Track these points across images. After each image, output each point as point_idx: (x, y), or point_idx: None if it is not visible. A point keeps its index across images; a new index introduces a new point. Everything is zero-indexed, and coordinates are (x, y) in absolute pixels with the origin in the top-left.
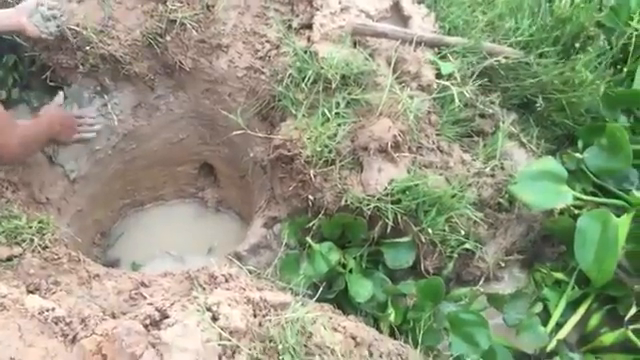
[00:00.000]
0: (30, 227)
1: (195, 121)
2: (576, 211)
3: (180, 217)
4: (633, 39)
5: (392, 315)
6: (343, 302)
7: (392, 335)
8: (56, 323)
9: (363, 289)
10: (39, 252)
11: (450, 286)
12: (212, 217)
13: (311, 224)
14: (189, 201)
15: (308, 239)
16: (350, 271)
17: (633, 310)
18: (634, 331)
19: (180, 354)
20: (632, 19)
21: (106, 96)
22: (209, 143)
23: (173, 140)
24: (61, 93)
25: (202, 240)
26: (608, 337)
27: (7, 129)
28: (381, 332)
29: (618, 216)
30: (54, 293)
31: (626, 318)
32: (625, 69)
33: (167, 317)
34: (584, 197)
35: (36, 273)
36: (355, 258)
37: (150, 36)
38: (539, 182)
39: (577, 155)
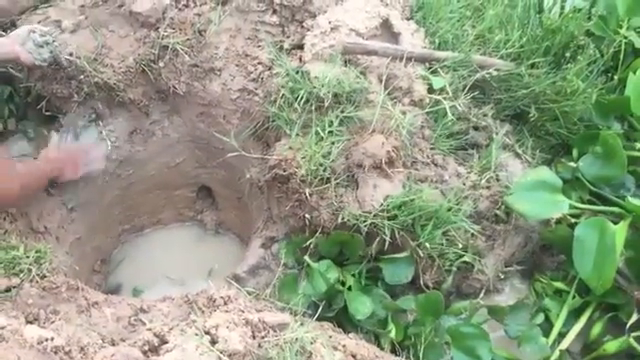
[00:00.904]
0: (28, 257)
1: (191, 144)
2: (573, 220)
3: (180, 241)
4: (623, 46)
5: (393, 331)
6: (343, 320)
7: (393, 352)
8: (55, 352)
9: (362, 306)
10: (37, 282)
11: (450, 300)
12: (212, 240)
13: (308, 243)
14: (188, 224)
15: (306, 258)
16: (349, 288)
17: (635, 317)
18: (636, 338)
19: None
20: (621, 27)
21: (101, 123)
22: (206, 166)
23: (170, 164)
24: (54, 133)
25: (202, 263)
26: (611, 345)
27: (8, 176)
28: (382, 349)
29: (615, 223)
30: (53, 322)
31: (628, 325)
32: (616, 77)
33: (166, 342)
34: (581, 206)
35: (35, 303)
36: (354, 275)
37: (143, 62)
38: (534, 192)
39: (572, 164)
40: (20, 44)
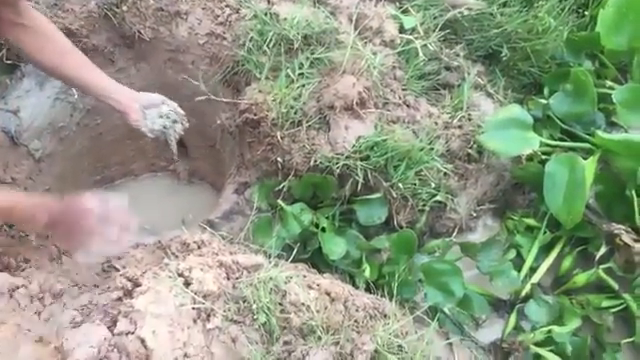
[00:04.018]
0: None
1: (159, 92)
2: (544, 157)
3: (153, 191)
4: None
5: (367, 271)
6: (318, 261)
7: (368, 290)
8: (28, 299)
9: (337, 247)
10: (5, 231)
11: (424, 239)
12: (185, 189)
13: (282, 186)
14: (161, 175)
15: (279, 201)
16: (323, 230)
17: (603, 250)
18: (605, 270)
19: (154, 320)
20: None
21: None
22: None
23: None
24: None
25: (177, 213)
26: (581, 278)
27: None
28: (357, 288)
29: (586, 159)
30: (24, 270)
31: (597, 258)
32: (587, 13)
33: (139, 285)
34: (551, 142)
35: (4, 252)
36: (327, 217)
37: (105, 7)
38: (506, 130)
39: (543, 101)
40: (144, 105)
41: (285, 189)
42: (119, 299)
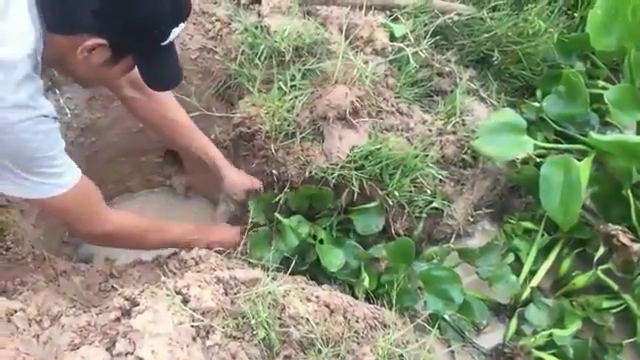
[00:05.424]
0: None
1: None
2: (539, 160)
3: (150, 207)
4: None
5: (366, 280)
6: (316, 273)
7: (368, 300)
8: (26, 323)
9: (335, 258)
10: (2, 254)
11: (422, 247)
12: (182, 204)
13: (278, 199)
14: (157, 190)
15: (277, 215)
16: (321, 242)
17: (601, 251)
18: (604, 271)
19: (153, 340)
20: None
21: (58, 91)
22: None
23: (132, 130)
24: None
25: None
26: (580, 280)
27: None
28: (357, 298)
29: (580, 160)
30: (21, 294)
31: (595, 259)
32: (577, 15)
33: (137, 305)
34: (546, 145)
35: (1, 275)
36: (325, 228)
37: None
38: (500, 134)
39: (536, 104)
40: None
41: (282, 202)
42: (117, 319)
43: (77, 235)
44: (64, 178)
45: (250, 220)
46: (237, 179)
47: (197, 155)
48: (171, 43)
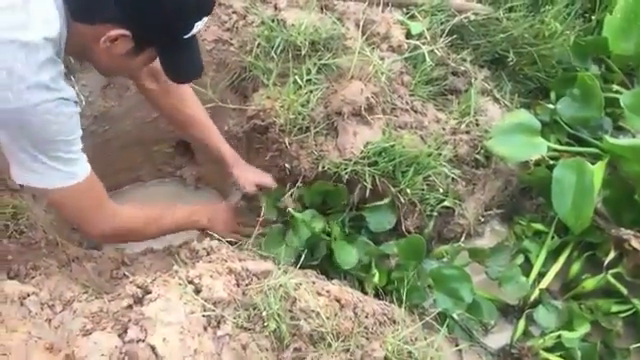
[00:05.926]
0: (4, 213)
1: None
2: (552, 162)
3: (160, 197)
4: None
5: (376, 276)
6: (327, 267)
7: (377, 296)
8: (39, 307)
9: (349, 256)
10: (16, 237)
11: (432, 245)
12: (192, 195)
13: (290, 193)
14: (168, 180)
15: (290, 210)
16: (334, 238)
17: (612, 255)
18: (614, 275)
19: (164, 328)
20: None
21: (73, 78)
22: None
23: (146, 119)
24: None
25: None
26: (589, 283)
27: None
28: (366, 294)
29: (593, 164)
30: (33, 278)
31: (605, 263)
32: (594, 18)
33: (149, 293)
34: (559, 147)
35: (14, 259)
36: (338, 224)
37: None
38: (513, 135)
39: (550, 106)
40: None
41: (295, 197)
42: (129, 306)
43: (88, 234)
44: (77, 167)
45: (262, 215)
46: (249, 176)
47: (209, 150)
48: (193, 36)
